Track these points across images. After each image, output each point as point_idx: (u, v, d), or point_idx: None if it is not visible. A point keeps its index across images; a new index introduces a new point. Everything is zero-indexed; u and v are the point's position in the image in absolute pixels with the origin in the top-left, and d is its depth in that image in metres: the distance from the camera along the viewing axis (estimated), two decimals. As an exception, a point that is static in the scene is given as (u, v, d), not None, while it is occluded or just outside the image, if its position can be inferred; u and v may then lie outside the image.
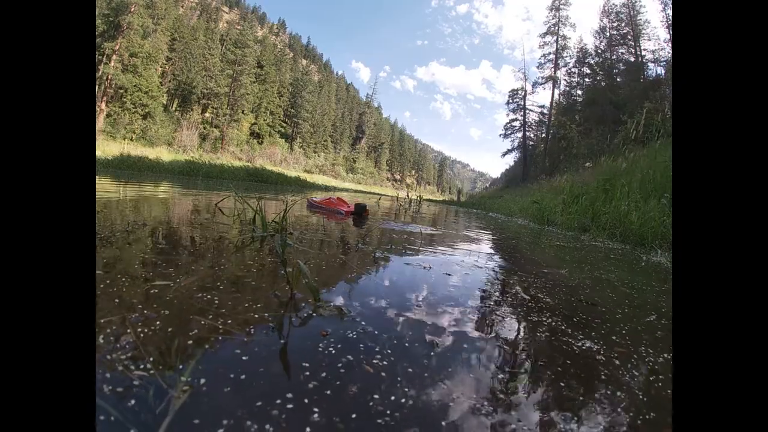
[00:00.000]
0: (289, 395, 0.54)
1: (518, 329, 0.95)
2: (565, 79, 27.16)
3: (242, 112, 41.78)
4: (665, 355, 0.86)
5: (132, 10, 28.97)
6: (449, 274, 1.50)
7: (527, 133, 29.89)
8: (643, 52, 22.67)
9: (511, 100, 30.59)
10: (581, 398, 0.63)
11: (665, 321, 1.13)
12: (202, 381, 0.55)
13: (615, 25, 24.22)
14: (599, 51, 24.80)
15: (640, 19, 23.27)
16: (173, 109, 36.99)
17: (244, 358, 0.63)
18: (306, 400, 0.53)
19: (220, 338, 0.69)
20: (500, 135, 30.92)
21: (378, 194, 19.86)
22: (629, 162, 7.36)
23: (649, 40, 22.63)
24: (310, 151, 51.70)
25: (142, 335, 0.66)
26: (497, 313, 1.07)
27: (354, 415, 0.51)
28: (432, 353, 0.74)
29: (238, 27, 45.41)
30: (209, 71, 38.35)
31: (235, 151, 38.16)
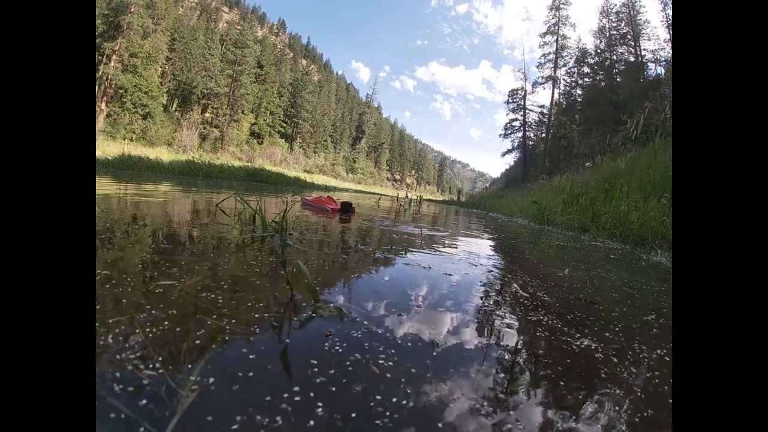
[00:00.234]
0: (296, 388, 0.56)
1: (518, 328, 0.95)
2: (564, 79, 27.17)
3: (242, 112, 41.79)
4: (658, 351, 0.86)
5: (132, 10, 28.97)
6: (449, 274, 1.50)
7: (527, 133, 29.89)
8: (643, 52, 22.67)
9: (510, 100, 30.57)
10: (581, 395, 0.63)
11: (663, 321, 1.13)
12: (211, 380, 0.55)
13: (615, 24, 24.22)
14: (599, 51, 24.80)
15: (640, 19, 23.26)
16: (173, 109, 36.99)
17: (251, 356, 0.64)
18: (312, 393, 0.55)
19: (227, 338, 0.70)
20: (500, 135, 30.91)
21: (378, 194, 19.86)
22: (627, 162, 7.36)
23: (649, 40, 22.62)
24: (310, 151, 51.71)
25: (150, 335, 0.67)
26: (497, 312, 1.07)
27: (354, 415, 0.51)
28: (433, 353, 0.74)
29: (238, 27, 45.42)
30: (209, 71, 38.35)
31: (235, 151, 38.17)
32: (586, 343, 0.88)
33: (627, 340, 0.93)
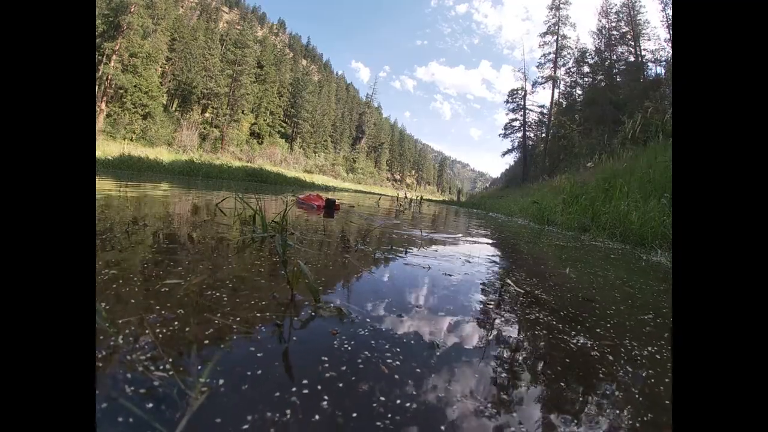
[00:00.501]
0: (305, 381, 0.58)
1: (517, 327, 0.95)
2: (564, 79, 27.16)
3: (242, 112, 41.78)
4: (650, 349, 0.86)
5: (132, 10, 28.96)
6: (449, 274, 1.50)
7: (527, 133, 29.89)
8: (643, 52, 22.66)
9: (510, 100, 30.57)
10: (580, 391, 0.63)
11: (660, 320, 1.13)
12: (221, 382, 0.55)
13: (614, 24, 24.21)
14: (599, 50, 24.78)
15: (640, 19, 23.26)
16: (173, 109, 36.98)
17: (259, 354, 0.65)
18: (319, 387, 0.57)
19: (235, 337, 0.70)
20: (500, 135, 30.92)
21: (378, 194, 19.86)
22: (624, 161, 7.37)
23: (649, 40, 22.62)
24: (310, 151, 51.71)
25: (160, 336, 0.67)
26: (496, 312, 1.07)
27: (354, 415, 0.51)
28: (435, 353, 0.74)
29: (238, 27, 45.41)
30: (209, 71, 38.34)
31: (235, 151, 38.16)
32: (582, 341, 0.88)
33: (628, 338, 0.93)
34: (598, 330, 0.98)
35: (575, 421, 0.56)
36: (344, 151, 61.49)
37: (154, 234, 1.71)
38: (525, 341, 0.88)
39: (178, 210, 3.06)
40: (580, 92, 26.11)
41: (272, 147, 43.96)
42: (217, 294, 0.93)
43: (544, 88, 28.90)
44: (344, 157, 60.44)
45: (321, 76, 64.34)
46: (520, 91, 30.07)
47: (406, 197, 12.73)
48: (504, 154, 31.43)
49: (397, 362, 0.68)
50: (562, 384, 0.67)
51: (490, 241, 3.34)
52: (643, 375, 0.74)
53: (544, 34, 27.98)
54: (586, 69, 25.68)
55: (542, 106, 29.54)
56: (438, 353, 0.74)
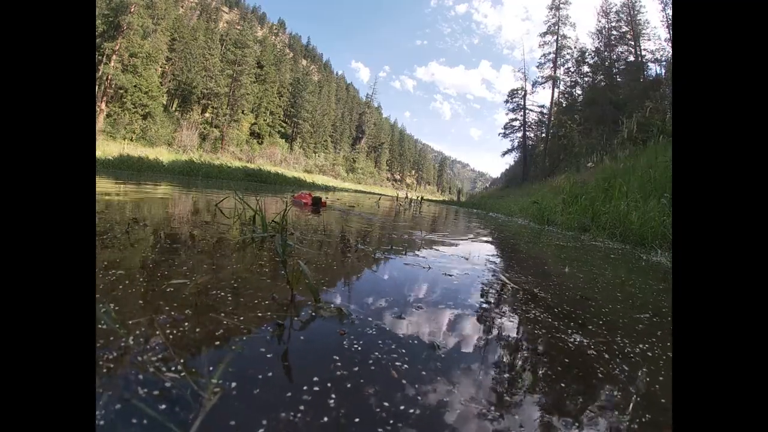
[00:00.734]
0: (316, 378, 0.59)
1: (516, 326, 0.95)
2: (564, 79, 27.15)
3: (242, 112, 41.76)
4: (641, 345, 0.86)
5: (132, 10, 28.95)
6: (449, 275, 1.50)
7: (527, 133, 29.89)
8: (643, 52, 22.65)
9: (510, 100, 30.57)
10: (579, 386, 0.63)
11: (657, 319, 1.13)
12: (234, 384, 0.55)
13: (614, 24, 24.19)
14: (599, 50, 24.78)
15: (640, 19, 23.24)
16: (173, 109, 36.98)
17: (269, 355, 0.65)
18: (329, 384, 0.58)
19: (245, 338, 0.71)
20: (500, 134, 30.91)
21: (378, 194, 19.86)
22: (621, 161, 7.38)
23: (649, 40, 22.61)
24: (310, 151, 51.70)
25: (171, 337, 0.67)
26: (496, 311, 1.07)
27: (356, 419, 0.51)
28: (436, 353, 0.74)
29: (238, 27, 45.40)
30: (209, 71, 38.33)
31: (235, 151, 38.15)
32: (579, 339, 0.88)
33: (622, 335, 0.93)
34: (590, 327, 0.98)
35: (577, 423, 0.56)
36: (344, 151, 61.48)
37: (156, 234, 1.71)
38: (524, 341, 0.88)
39: (179, 210, 3.06)
40: (579, 92, 26.10)
41: (272, 147, 43.95)
42: (222, 294, 0.94)
43: (544, 88, 28.91)
44: (344, 157, 60.43)
45: (321, 76, 64.33)
46: (520, 91, 30.06)
47: (406, 197, 12.73)
48: (504, 154, 31.44)
49: (399, 362, 0.68)
50: (563, 384, 0.67)
51: (491, 241, 3.34)
52: (645, 371, 0.74)
53: (544, 34, 27.97)
54: (585, 69, 25.67)
55: (542, 106, 29.55)
56: (439, 353, 0.74)
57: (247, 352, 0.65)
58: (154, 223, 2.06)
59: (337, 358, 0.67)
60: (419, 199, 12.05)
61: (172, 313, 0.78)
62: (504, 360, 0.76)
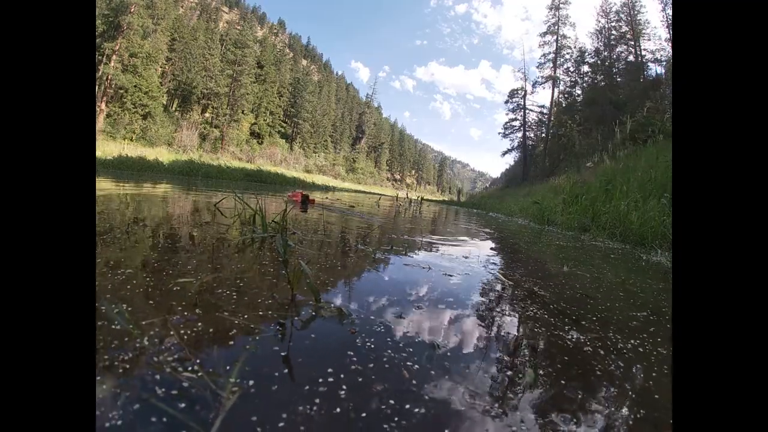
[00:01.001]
0: (331, 370, 0.62)
1: (517, 325, 0.95)
2: (564, 79, 27.14)
3: (242, 112, 41.74)
4: (638, 341, 0.86)
5: (132, 10, 28.94)
6: (449, 275, 1.50)
7: (527, 133, 29.88)
8: (643, 52, 22.64)
9: (510, 100, 30.57)
10: (578, 381, 0.63)
11: (654, 318, 1.14)
12: (251, 383, 0.56)
13: (614, 24, 24.19)
14: (598, 50, 24.77)
15: (640, 19, 23.24)
16: (173, 109, 36.97)
17: (282, 353, 0.66)
18: (342, 375, 0.61)
19: (257, 337, 0.72)
20: (499, 134, 30.92)
21: (378, 194, 19.86)
22: (621, 161, 7.38)
23: (649, 40, 22.60)
24: (310, 151, 51.69)
25: (186, 337, 0.67)
26: (496, 310, 1.08)
27: (363, 414, 0.51)
28: (436, 353, 0.74)
29: (238, 27, 45.38)
30: (209, 71, 38.31)
31: (235, 151, 38.13)
32: (576, 336, 0.89)
33: (615, 331, 0.93)
34: (584, 323, 0.99)
35: (578, 420, 0.56)
36: (344, 151, 61.47)
37: (158, 235, 1.71)
38: (524, 338, 0.88)
39: (179, 210, 3.06)
40: (579, 92, 26.10)
41: (272, 147, 43.93)
42: (227, 293, 0.94)
43: (544, 88, 28.91)
44: (344, 157, 60.42)
45: (321, 76, 64.32)
46: (520, 91, 30.06)
47: (406, 197, 12.73)
48: (504, 153, 31.44)
49: (409, 362, 0.68)
50: (563, 382, 0.67)
51: (491, 240, 3.34)
52: (638, 365, 0.74)
53: (544, 34, 27.97)
54: (585, 69, 25.67)
55: (542, 106, 29.55)
56: (439, 353, 0.74)
57: (260, 352, 0.66)
58: (154, 224, 2.06)
59: (351, 353, 0.69)
60: (419, 199, 12.04)
61: (186, 313, 0.78)
62: (503, 358, 0.76)
